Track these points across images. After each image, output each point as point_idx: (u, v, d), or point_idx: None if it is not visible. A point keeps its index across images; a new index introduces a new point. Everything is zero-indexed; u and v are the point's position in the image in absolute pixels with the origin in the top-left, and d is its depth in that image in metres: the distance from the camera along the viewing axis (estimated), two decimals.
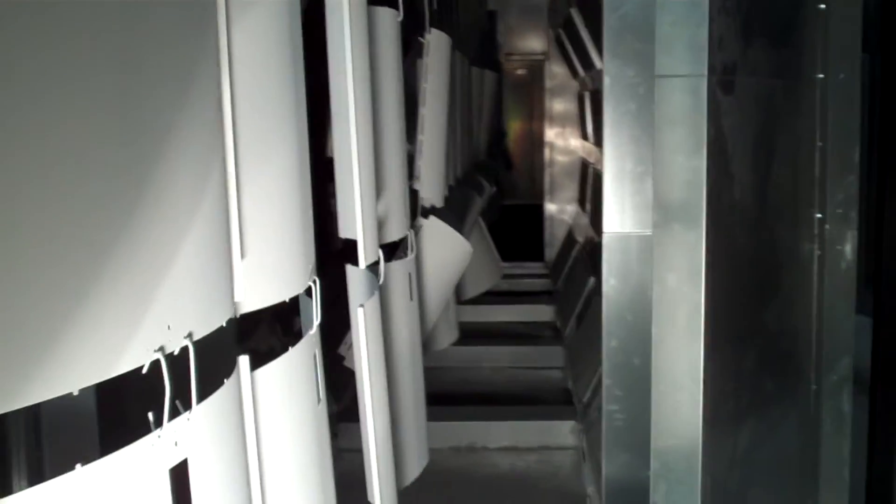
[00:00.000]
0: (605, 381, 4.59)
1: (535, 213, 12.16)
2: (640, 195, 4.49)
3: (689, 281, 3.11)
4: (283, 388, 2.07)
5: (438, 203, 5.25)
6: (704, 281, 3.10)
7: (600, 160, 9.39)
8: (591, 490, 5.71)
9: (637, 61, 4.42)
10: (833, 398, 4.30)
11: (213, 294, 1.73)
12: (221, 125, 1.83)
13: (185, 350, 1.55)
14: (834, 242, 4.19)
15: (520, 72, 12.97)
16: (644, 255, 4.52)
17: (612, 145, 4.48)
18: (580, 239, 10.46)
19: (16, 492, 1.19)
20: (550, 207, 11.84)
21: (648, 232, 4.48)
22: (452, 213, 5.89)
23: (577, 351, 7.88)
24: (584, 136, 11.01)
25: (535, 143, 14.54)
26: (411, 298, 4.00)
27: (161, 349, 1.48)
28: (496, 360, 8.37)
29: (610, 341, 4.58)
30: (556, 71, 11.66)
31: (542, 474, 6.35)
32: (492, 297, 9.40)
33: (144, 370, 1.43)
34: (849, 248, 4.23)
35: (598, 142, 9.48)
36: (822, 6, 4.03)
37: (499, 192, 10.42)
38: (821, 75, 4.07)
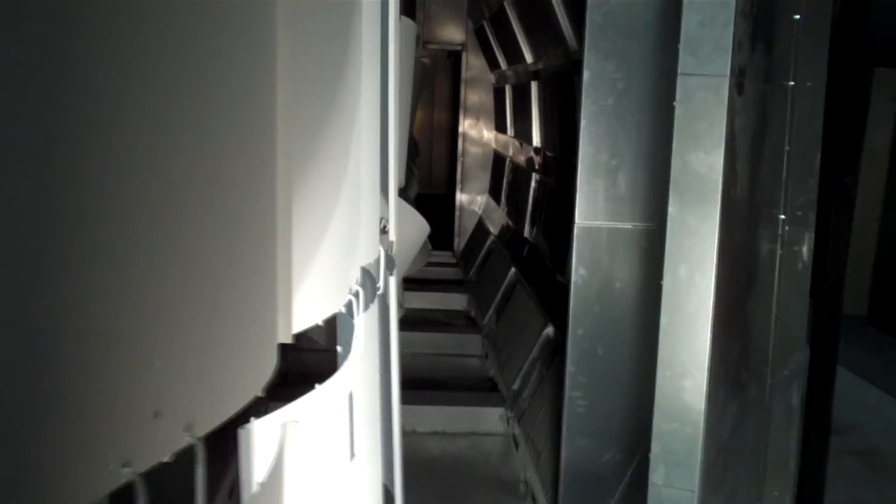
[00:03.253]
0: (570, 369, 4.69)
1: (441, 202, 12.22)
2: (614, 188, 4.61)
3: (700, 272, 3.22)
4: (370, 332, 2.21)
5: (401, 183, 5.25)
6: (715, 273, 3.21)
7: (520, 153, 9.54)
8: (528, 475, 5.81)
9: (618, 57, 4.54)
10: (783, 392, 4.48)
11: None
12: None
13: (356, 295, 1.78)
14: (792, 243, 4.36)
15: (426, 60, 12.99)
16: (614, 247, 4.64)
17: (589, 138, 4.58)
18: (493, 230, 10.58)
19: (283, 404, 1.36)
20: (462, 198, 11.91)
21: (619, 224, 4.61)
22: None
23: (500, 341, 7.98)
24: (501, 129, 11.14)
25: (440, 133, 14.59)
26: None
27: (355, 293, 1.73)
28: (415, 346, 8.39)
29: (576, 330, 4.68)
30: (473, 62, 11.74)
31: (473, 459, 6.42)
32: (404, 283, 9.43)
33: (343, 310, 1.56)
34: (805, 250, 4.41)
35: (521, 134, 9.63)
36: (797, 17, 4.18)
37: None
38: (791, 82, 4.22)
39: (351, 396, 1.60)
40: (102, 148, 0.95)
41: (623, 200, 4.57)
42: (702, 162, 3.19)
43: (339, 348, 1.63)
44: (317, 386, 1.42)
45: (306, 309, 1.42)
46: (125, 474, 1.01)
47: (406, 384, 7.56)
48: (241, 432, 1.17)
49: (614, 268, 4.62)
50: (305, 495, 1.34)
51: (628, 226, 4.57)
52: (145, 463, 1.04)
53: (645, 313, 4.43)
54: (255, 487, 1.17)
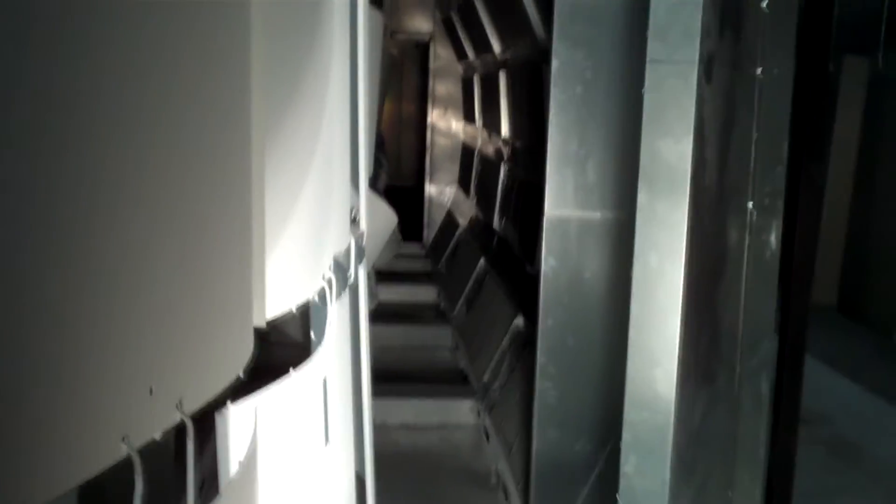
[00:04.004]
0: (540, 360, 4.73)
1: (410, 194, 12.23)
2: (583, 177, 4.65)
3: (670, 260, 3.27)
4: (342, 321, 2.24)
5: (369, 173, 5.28)
6: (685, 262, 3.26)
7: (489, 143, 9.57)
8: (499, 467, 5.85)
9: (586, 45, 4.57)
10: (752, 381, 4.55)
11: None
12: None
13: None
14: (761, 232, 4.43)
15: (393, 51, 12.98)
16: (584, 237, 4.68)
17: (558, 127, 4.61)
18: (462, 221, 10.61)
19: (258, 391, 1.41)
20: (431, 189, 11.93)
21: (589, 214, 4.65)
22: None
23: (470, 333, 8.02)
24: (469, 120, 11.16)
25: (408, 124, 14.59)
26: None
27: (328, 281, 1.78)
28: (383, 339, 8.40)
29: (546, 321, 4.72)
30: (441, 53, 11.76)
31: (444, 452, 6.46)
32: (377, 277, 9.44)
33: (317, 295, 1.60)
34: (773, 238, 4.47)
35: (489, 125, 9.66)
36: (764, 4, 4.24)
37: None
38: (759, 70, 4.28)
39: (325, 382, 1.63)
40: (86, 144, 0.99)
41: (592, 190, 4.62)
42: (671, 150, 3.23)
43: (312, 335, 1.66)
44: (291, 371, 1.45)
45: (278, 295, 1.44)
46: (123, 449, 1.06)
47: (375, 377, 7.58)
48: (219, 416, 1.20)
49: (584, 258, 4.66)
50: (281, 479, 1.38)
51: (597, 215, 4.62)
52: (141, 438, 1.10)
53: (615, 303, 4.47)
54: (232, 471, 1.20)
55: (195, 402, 1.17)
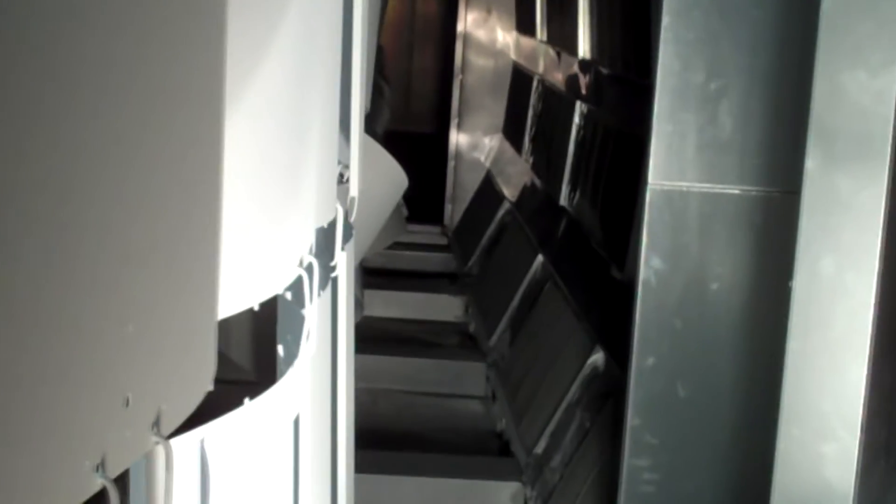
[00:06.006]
0: (632, 422, 4.70)
1: (425, 146, 12.21)
2: (713, 129, 4.60)
3: (856, 267, 3.22)
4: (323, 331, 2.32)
5: (365, 109, 5.32)
6: (880, 270, 3.21)
7: (557, 69, 9.55)
8: None
9: None
10: None
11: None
12: None
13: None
14: None
15: None
16: (711, 226, 4.64)
17: (674, 46, 4.57)
18: (509, 192, 10.60)
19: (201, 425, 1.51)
20: (459, 139, 11.92)
21: (721, 188, 4.60)
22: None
23: (517, 373, 8.00)
24: (526, 30, 11.15)
25: (426, 34, 14.59)
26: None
27: (307, 266, 1.89)
28: (379, 378, 8.39)
29: (644, 358, 4.68)
30: None
31: None
32: (364, 277, 9.42)
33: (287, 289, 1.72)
34: None
35: (558, 39, 9.64)
36: None
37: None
38: None
39: (297, 422, 1.63)
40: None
41: (728, 149, 4.57)
42: (863, 89, 3.19)
43: (279, 349, 1.64)
44: (246, 401, 1.46)
45: (231, 286, 1.47)
46: (99, 480, 1.18)
47: (365, 436, 7.62)
48: (133, 468, 1.23)
49: (710, 258, 4.62)
50: None
51: (735, 191, 4.57)
52: (118, 465, 1.22)
53: (760, 333, 4.43)
54: None
55: (174, 419, 1.35)
